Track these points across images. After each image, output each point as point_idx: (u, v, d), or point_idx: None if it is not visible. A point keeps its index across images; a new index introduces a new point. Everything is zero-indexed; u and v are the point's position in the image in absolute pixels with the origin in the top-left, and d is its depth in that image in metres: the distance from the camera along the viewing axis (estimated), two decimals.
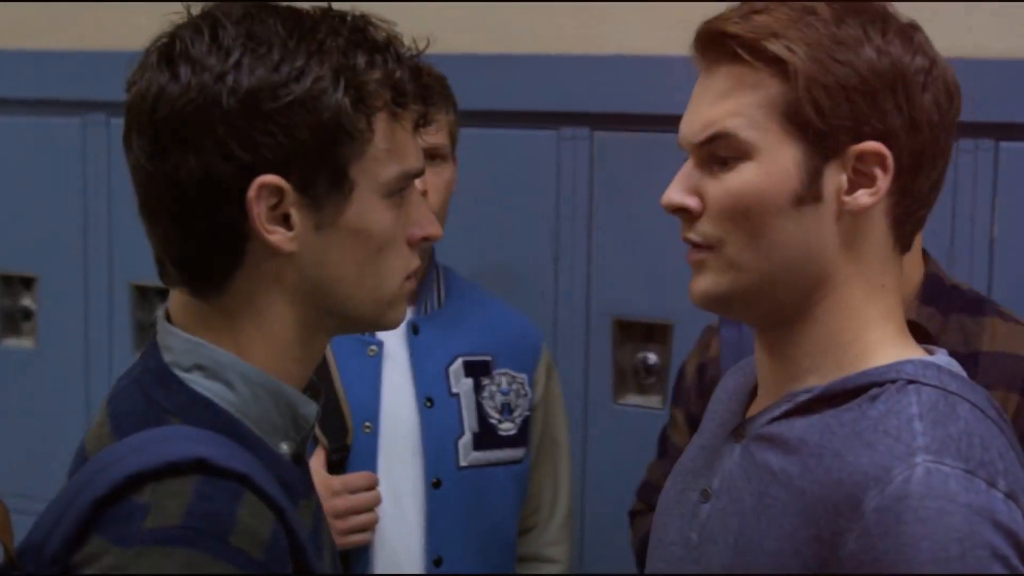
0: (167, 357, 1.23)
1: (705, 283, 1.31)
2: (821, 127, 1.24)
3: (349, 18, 1.23)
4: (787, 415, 1.29)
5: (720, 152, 1.28)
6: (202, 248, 1.20)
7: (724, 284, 1.29)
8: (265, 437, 1.23)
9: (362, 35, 1.21)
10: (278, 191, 1.18)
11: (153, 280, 1.40)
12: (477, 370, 2.19)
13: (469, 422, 2.17)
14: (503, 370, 2.22)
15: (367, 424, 2.10)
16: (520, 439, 2.22)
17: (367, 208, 1.22)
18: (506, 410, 2.20)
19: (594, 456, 2.68)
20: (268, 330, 1.22)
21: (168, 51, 1.19)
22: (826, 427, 1.24)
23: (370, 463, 2.09)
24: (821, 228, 1.26)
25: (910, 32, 1.29)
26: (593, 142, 2.64)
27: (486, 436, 2.17)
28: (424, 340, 2.17)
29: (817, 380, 1.29)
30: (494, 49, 2.70)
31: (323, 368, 2.09)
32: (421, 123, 1.26)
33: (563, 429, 2.33)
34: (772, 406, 1.32)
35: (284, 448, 1.24)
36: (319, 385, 1.34)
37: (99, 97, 2.96)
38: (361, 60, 1.19)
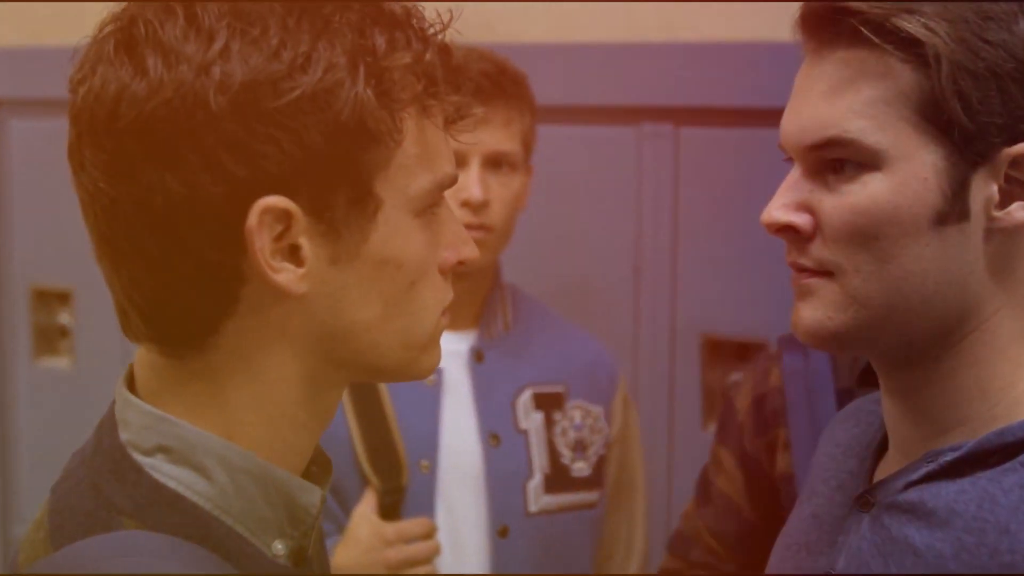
0: (124, 435, 0.99)
1: (816, 315, 1.11)
2: (968, 126, 1.05)
3: None
4: (929, 478, 1.10)
5: (836, 158, 1.10)
6: (183, 295, 0.97)
7: (841, 320, 1.10)
8: (252, 536, 1.00)
9: (377, 8, 0.99)
10: (285, 216, 0.95)
11: None
12: (548, 403, 2.03)
13: (539, 462, 2.00)
14: (577, 403, 2.05)
15: (424, 462, 1.94)
16: (595, 481, 2.05)
17: (396, 232, 0.99)
18: (579, 448, 2.03)
19: (681, 490, 2.50)
20: (265, 394, 1.00)
21: (129, 37, 0.95)
22: (984, 494, 1.05)
23: (427, 507, 1.93)
24: (966, 251, 1.08)
25: None
26: (678, 139, 2.50)
27: (558, 478, 2.01)
28: (489, 369, 2.01)
29: (965, 435, 1.10)
30: (565, 38, 2.57)
31: (374, 397, 1.94)
32: (454, 118, 1.04)
33: (640, 468, 2.17)
34: (908, 467, 1.12)
35: (278, 548, 1.02)
36: (328, 459, 1.12)
37: None
38: (381, 40, 0.96)
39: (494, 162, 1.92)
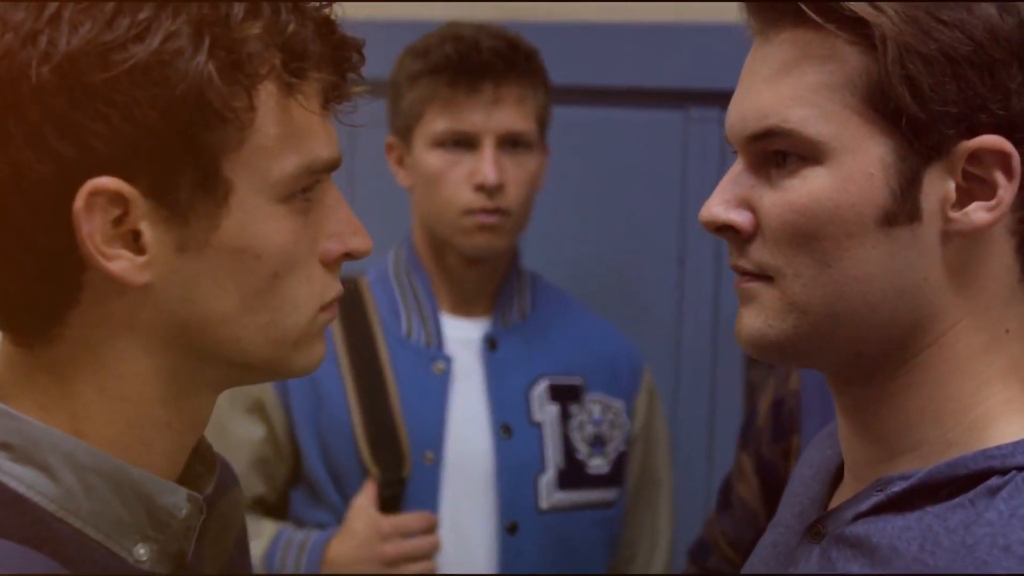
0: None
1: (756, 323, 1.01)
2: (919, 115, 0.96)
3: None
4: (877, 510, 1.01)
5: (777, 150, 1.00)
6: (22, 281, 0.91)
7: (782, 329, 1.00)
8: (107, 540, 0.94)
9: None
10: (120, 200, 0.88)
11: None
12: (565, 395, 1.96)
13: (553, 456, 1.93)
14: (596, 396, 1.99)
15: (428, 453, 1.88)
16: (613, 478, 1.98)
17: (253, 219, 0.93)
18: (597, 443, 1.97)
19: None
20: (115, 390, 0.94)
21: None
22: (927, 532, 0.97)
23: (431, 501, 1.88)
24: (919, 255, 0.99)
25: None
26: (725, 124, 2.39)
27: (573, 473, 1.94)
28: (503, 357, 1.94)
29: (917, 461, 1.01)
30: (609, 17, 2.49)
31: (379, 384, 1.88)
32: (333, 97, 0.97)
33: (666, 467, 2.10)
34: (859, 496, 1.03)
35: (141, 552, 0.95)
36: (214, 458, 1.04)
37: None
38: (238, 10, 0.89)
39: (508, 142, 1.86)
